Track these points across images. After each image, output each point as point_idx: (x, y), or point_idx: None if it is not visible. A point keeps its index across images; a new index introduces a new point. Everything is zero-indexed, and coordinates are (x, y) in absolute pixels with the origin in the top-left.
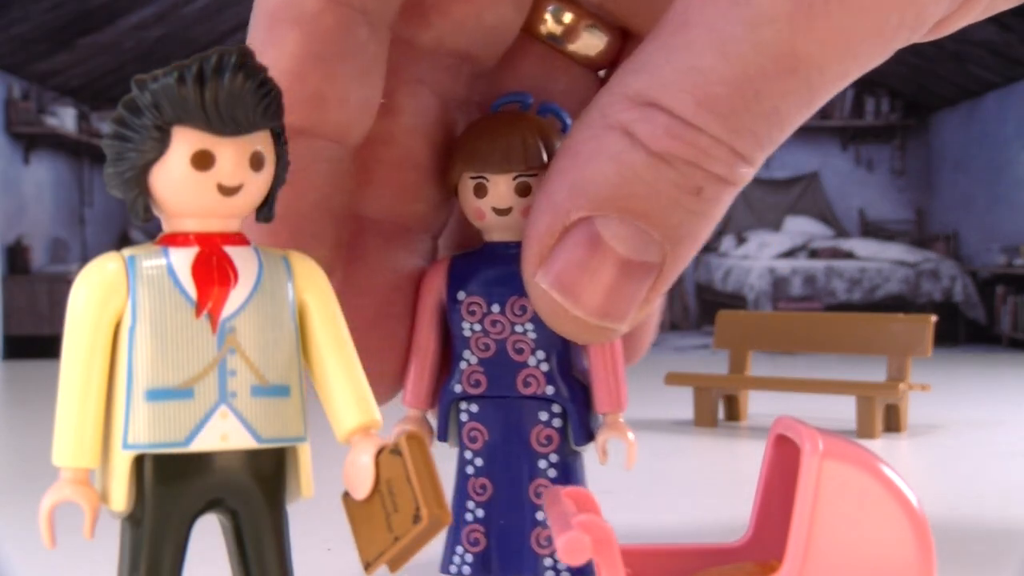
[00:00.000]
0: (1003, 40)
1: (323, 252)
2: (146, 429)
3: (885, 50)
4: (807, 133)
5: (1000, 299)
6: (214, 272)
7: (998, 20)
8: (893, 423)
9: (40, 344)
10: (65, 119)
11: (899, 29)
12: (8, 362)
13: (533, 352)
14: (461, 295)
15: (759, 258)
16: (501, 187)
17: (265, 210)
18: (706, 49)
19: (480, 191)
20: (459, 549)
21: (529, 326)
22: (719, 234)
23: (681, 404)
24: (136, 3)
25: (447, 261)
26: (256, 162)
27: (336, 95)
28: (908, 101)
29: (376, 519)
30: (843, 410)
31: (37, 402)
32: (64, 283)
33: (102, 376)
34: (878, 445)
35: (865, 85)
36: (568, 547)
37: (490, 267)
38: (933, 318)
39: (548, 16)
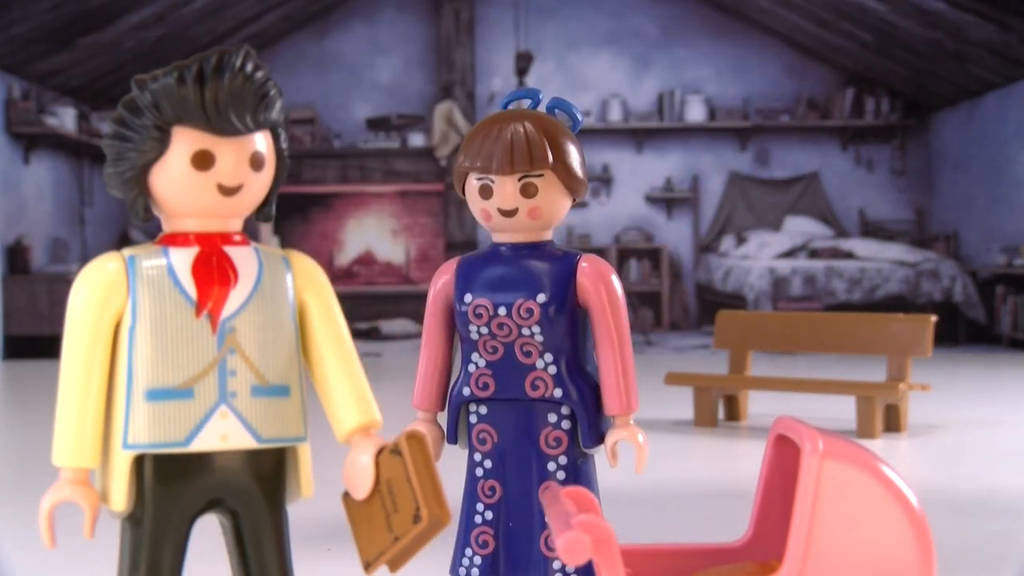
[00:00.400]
0: (1003, 40)
1: None
2: (146, 429)
3: None
4: (807, 133)
5: (1000, 299)
6: (214, 272)
7: (998, 20)
8: (893, 423)
9: (40, 344)
10: (65, 119)
11: None
12: (8, 362)
13: (541, 355)
14: (468, 297)
15: (759, 258)
16: (507, 188)
17: (265, 210)
18: None
19: (485, 192)
20: (468, 551)
21: (536, 328)
22: (719, 234)
23: (681, 404)
24: (136, 3)
25: (455, 263)
26: (256, 162)
27: None
28: (908, 101)
29: (376, 519)
30: (843, 410)
31: (37, 402)
32: (64, 283)
33: (102, 376)
34: (878, 445)
35: (865, 85)
36: (568, 547)
37: (496, 269)
38: (933, 318)
39: None
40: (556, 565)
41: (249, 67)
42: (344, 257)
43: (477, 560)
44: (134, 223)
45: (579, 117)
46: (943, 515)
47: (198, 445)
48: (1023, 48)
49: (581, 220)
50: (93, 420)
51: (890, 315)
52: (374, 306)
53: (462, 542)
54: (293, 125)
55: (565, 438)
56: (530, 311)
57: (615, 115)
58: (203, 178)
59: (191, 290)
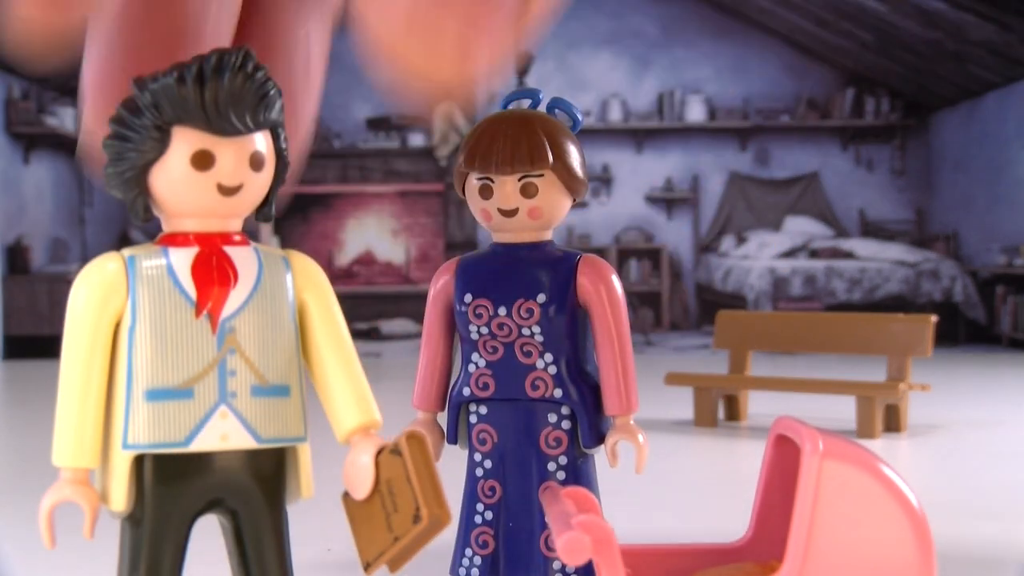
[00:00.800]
0: (1003, 40)
1: None
2: (146, 429)
3: None
4: (807, 133)
5: (1000, 299)
6: (214, 272)
7: (998, 20)
8: (893, 423)
9: (40, 344)
10: (65, 119)
11: None
12: (8, 362)
13: (541, 355)
14: (468, 297)
15: (759, 258)
16: (507, 188)
17: (265, 210)
18: None
19: (486, 192)
20: (468, 551)
21: (536, 328)
22: (719, 234)
23: (681, 404)
24: None
25: (455, 263)
26: (256, 162)
27: None
28: (908, 101)
29: (376, 519)
30: (843, 410)
31: (37, 402)
32: (64, 283)
33: (102, 376)
34: (878, 445)
35: (865, 85)
36: (568, 547)
37: (496, 269)
38: (933, 318)
39: None
40: (556, 565)
41: (249, 67)
42: (344, 257)
43: (477, 560)
44: (134, 223)
45: (579, 117)
46: (943, 515)
47: (198, 445)
48: (1023, 48)
49: (581, 220)
50: (93, 420)
51: (890, 315)
52: (374, 306)
53: (462, 542)
54: None
55: (565, 438)
56: (530, 311)
57: (615, 115)
58: (203, 178)
59: (191, 290)
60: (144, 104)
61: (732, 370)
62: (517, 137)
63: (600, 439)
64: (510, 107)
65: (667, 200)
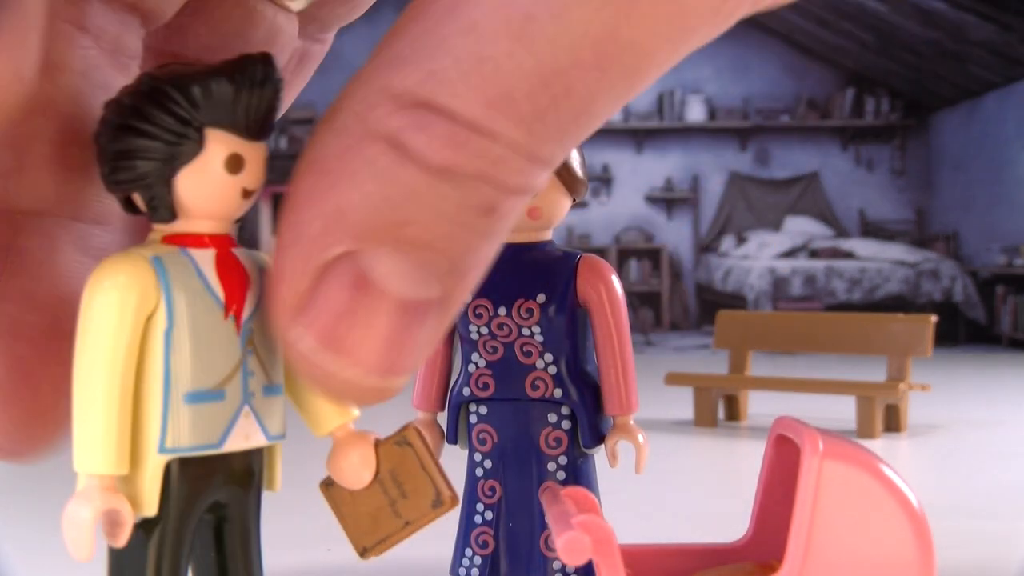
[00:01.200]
0: (1003, 40)
1: None
2: (188, 432)
3: (723, 22)
4: (807, 133)
5: (1000, 299)
6: (234, 274)
7: (998, 20)
8: (893, 423)
9: None
10: None
11: None
12: None
13: (541, 355)
14: (468, 297)
15: (759, 258)
16: None
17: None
18: (498, 33)
19: None
20: (468, 551)
21: (536, 329)
22: (719, 234)
23: (681, 404)
24: None
25: None
26: (267, 167)
27: None
28: (908, 101)
29: (374, 506)
30: (843, 410)
31: None
32: None
33: (132, 379)
34: (878, 445)
35: (865, 85)
36: (568, 547)
37: (496, 269)
38: (933, 318)
39: None
40: (556, 565)
41: (276, 73)
42: None
43: (477, 560)
44: (152, 222)
45: None
46: (943, 515)
47: (229, 445)
48: (1023, 48)
49: (581, 220)
50: (127, 425)
51: (890, 315)
52: None
53: (462, 542)
54: (293, 125)
55: (565, 438)
56: (530, 311)
57: (615, 115)
58: (233, 181)
59: (219, 292)
60: (176, 101)
61: (732, 370)
62: None
63: (600, 439)
64: None
65: (667, 200)
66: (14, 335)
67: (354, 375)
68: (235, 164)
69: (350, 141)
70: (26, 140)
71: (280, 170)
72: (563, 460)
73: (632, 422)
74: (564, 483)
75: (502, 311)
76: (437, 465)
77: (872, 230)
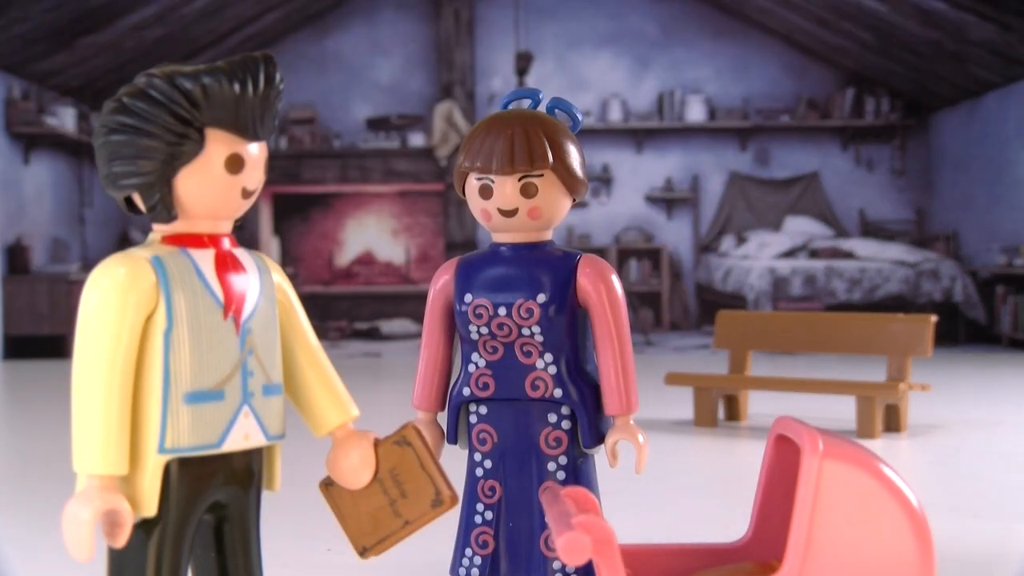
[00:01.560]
0: (1003, 40)
1: None
2: (188, 432)
3: None
4: (807, 133)
5: (1000, 299)
6: (234, 274)
7: (998, 20)
8: (893, 423)
9: (40, 344)
10: (65, 119)
11: None
12: (8, 362)
13: (541, 355)
14: (468, 297)
15: (759, 258)
16: (507, 188)
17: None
18: None
19: (485, 192)
20: (468, 551)
21: (536, 328)
22: (719, 234)
23: (681, 404)
24: (136, 3)
25: (455, 263)
26: (266, 167)
27: None
28: (908, 101)
29: (374, 506)
30: (843, 410)
31: (37, 402)
32: (64, 283)
33: (131, 379)
34: (878, 445)
35: (865, 85)
36: (568, 547)
37: (496, 269)
38: (933, 318)
39: None
40: (556, 565)
41: (276, 75)
42: (344, 257)
43: (477, 560)
44: (152, 222)
45: (579, 117)
46: (943, 515)
47: (228, 445)
48: (1023, 48)
49: (581, 220)
50: (126, 425)
51: (890, 315)
52: (374, 306)
53: (462, 542)
54: (293, 125)
55: (565, 438)
56: (530, 311)
57: (615, 115)
58: (233, 181)
59: (219, 292)
60: (176, 101)
61: (732, 370)
62: (517, 137)
63: (600, 439)
64: (510, 107)
65: (667, 200)
66: None
67: None
68: (235, 164)
69: None
70: None
71: (280, 170)
72: (563, 460)
73: (632, 422)
74: (564, 483)
75: (502, 311)
76: (437, 465)
77: (872, 230)
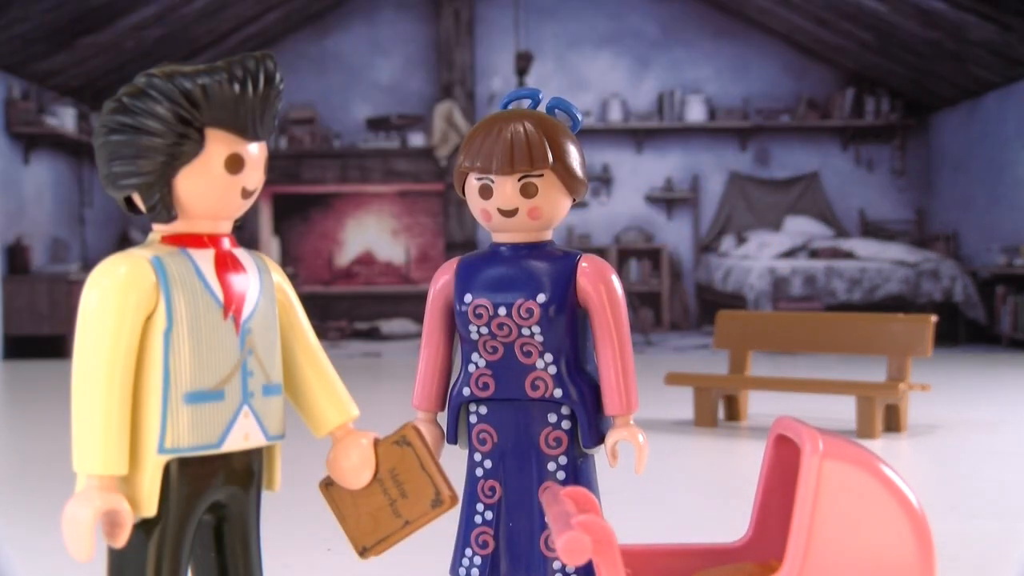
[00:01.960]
0: (1003, 40)
1: None
2: (187, 432)
3: None
4: (807, 133)
5: (1000, 299)
6: (234, 274)
7: (998, 20)
8: (893, 423)
9: (40, 344)
10: (65, 119)
11: None
12: (8, 362)
13: (541, 355)
14: (468, 298)
15: (759, 258)
16: (506, 188)
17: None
18: None
19: (485, 192)
20: (468, 551)
21: (536, 328)
22: (719, 234)
23: (681, 404)
24: (136, 3)
25: (455, 263)
26: (265, 167)
27: None
28: (908, 101)
29: (374, 506)
30: (843, 410)
31: (37, 402)
32: (64, 283)
33: (131, 379)
34: (878, 445)
35: (865, 85)
36: (568, 547)
37: (496, 269)
38: (933, 318)
39: None
40: (556, 565)
41: (276, 75)
42: (344, 257)
43: (477, 560)
44: (152, 222)
45: (579, 117)
46: (943, 515)
47: (228, 445)
48: (1023, 48)
49: (581, 220)
50: (126, 425)
51: (890, 315)
52: (374, 306)
53: (462, 542)
54: (293, 125)
55: (565, 438)
56: (530, 311)
57: (615, 115)
58: (233, 181)
59: (219, 292)
60: (176, 101)
61: (732, 370)
62: (517, 137)
63: (600, 439)
64: (510, 107)
65: (667, 200)
66: None
67: None
68: (235, 164)
69: None
70: None
71: (280, 170)
72: (563, 460)
73: (632, 422)
74: (564, 483)
75: (502, 311)
76: (437, 465)
77: (872, 230)
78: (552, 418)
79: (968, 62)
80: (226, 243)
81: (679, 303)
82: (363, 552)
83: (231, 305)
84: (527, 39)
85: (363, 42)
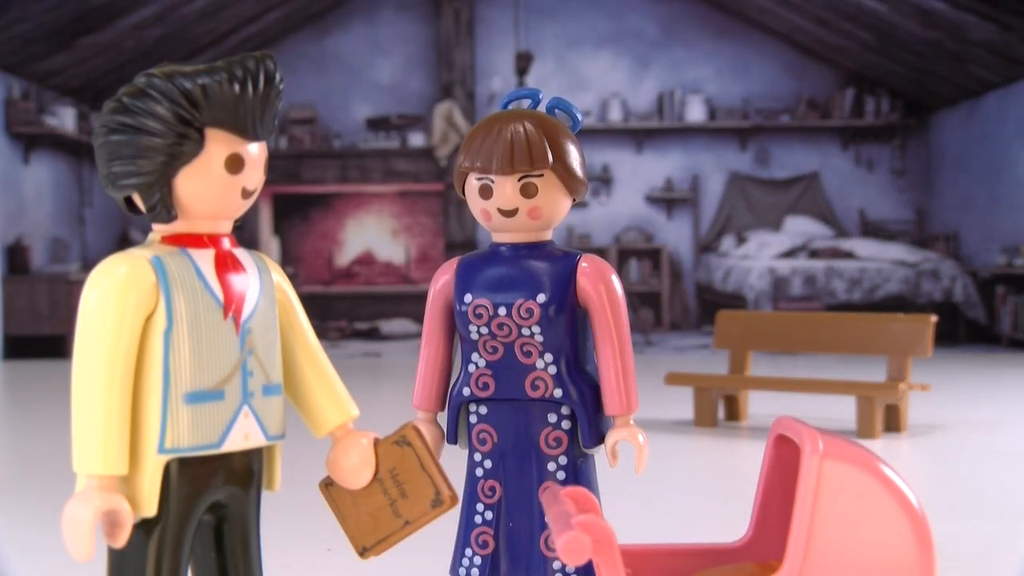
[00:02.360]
0: (1003, 40)
1: None
2: (188, 432)
3: None
4: (807, 133)
5: (1000, 299)
6: (234, 274)
7: (998, 20)
8: (893, 423)
9: (40, 344)
10: (65, 119)
11: None
12: (8, 362)
13: (541, 355)
14: (468, 297)
15: (759, 258)
16: (507, 188)
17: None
18: None
19: (485, 192)
20: (468, 551)
21: (536, 328)
22: (719, 234)
23: (681, 404)
24: (136, 3)
25: (455, 263)
26: (265, 167)
27: None
28: (908, 101)
29: (374, 506)
30: (843, 410)
31: (37, 402)
32: (64, 283)
33: (131, 379)
34: (878, 445)
35: (865, 85)
36: (568, 547)
37: (496, 269)
38: (933, 318)
39: None
40: (556, 565)
41: (276, 75)
42: (344, 257)
43: (477, 560)
44: (138, 222)
45: (579, 117)
46: (943, 515)
47: (228, 445)
48: (1023, 48)
49: (581, 220)
50: (126, 425)
51: (890, 315)
52: (374, 306)
53: (462, 542)
54: (293, 125)
55: (565, 438)
56: (530, 311)
57: (615, 115)
58: (233, 181)
59: (219, 292)
60: (176, 100)
61: (732, 370)
62: (517, 137)
63: (600, 439)
64: (510, 107)
65: (667, 200)
66: None
67: None
68: (235, 164)
69: None
70: None
71: (280, 170)
72: (563, 460)
73: (632, 422)
74: (564, 483)
75: (502, 311)
76: (437, 465)
77: (872, 230)
78: (552, 418)
79: (968, 62)
80: (226, 243)
81: (679, 303)
82: (363, 552)
83: (231, 305)
84: (527, 39)
85: (363, 42)
